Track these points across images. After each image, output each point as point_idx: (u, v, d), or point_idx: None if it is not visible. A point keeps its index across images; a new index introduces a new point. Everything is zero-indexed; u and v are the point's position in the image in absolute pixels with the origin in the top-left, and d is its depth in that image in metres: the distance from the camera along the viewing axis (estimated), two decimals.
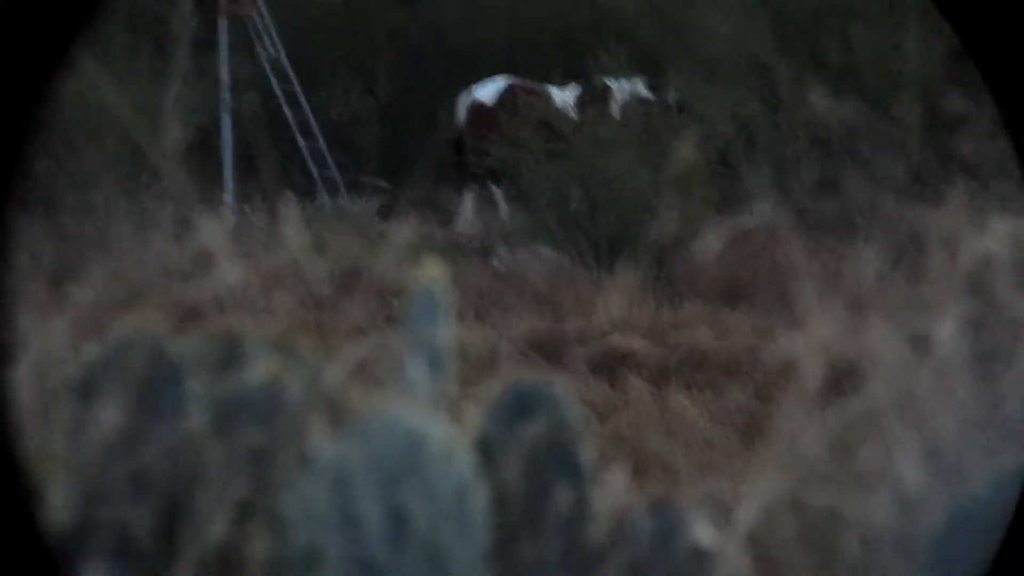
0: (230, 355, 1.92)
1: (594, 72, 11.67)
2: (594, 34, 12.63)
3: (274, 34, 13.05)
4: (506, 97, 12.21)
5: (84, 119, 10.78)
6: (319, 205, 11.62)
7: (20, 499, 1.82)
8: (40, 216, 9.89)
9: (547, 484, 1.91)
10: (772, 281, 8.40)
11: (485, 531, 1.86)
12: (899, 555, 1.95)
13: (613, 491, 1.89)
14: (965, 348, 2.09)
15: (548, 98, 11.95)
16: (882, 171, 10.30)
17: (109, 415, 1.86)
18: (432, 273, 1.97)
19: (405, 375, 1.95)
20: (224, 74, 12.43)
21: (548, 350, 7.76)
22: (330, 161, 13.00)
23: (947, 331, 2.09)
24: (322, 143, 12.99)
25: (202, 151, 10.98)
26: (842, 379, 2.09)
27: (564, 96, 12.00)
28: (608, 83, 11.77)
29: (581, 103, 11.84)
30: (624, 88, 11.69)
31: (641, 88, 11.68)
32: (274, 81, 12.96)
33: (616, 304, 8.26)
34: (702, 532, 1.87)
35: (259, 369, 1.90)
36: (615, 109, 11.56)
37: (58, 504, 1.81)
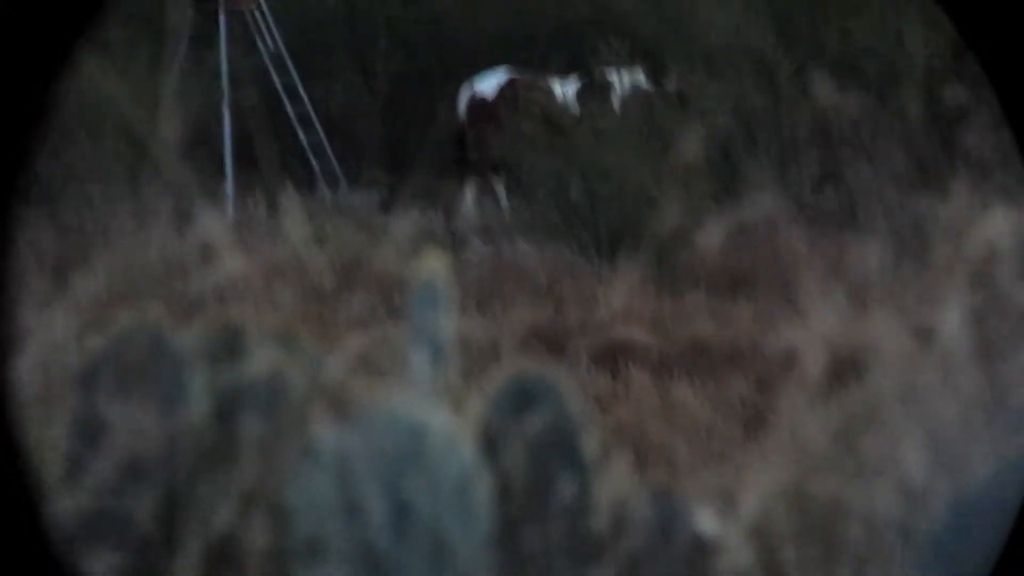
0: (231, 347, 1.92)
1: (594, 64, 11.66)
2: (593, 27, 12.62)
3: (273, 27, 13.04)
4: (506, 90, 12.20)
5: (84, 113, 10.78)
6: (319, 198, 11.62)
7: (21, 490, 1.82)
8: (42, 210, 9.89)
9: (549, 474, 1.91)
10: (774, 272, 8.39)
11: (487, 521, 1.86)
12: (903, 545, 1.95)
13: (615, 481, 1.89)
14: (968, 339, 2.09)
15: (549, 91, 11.94)
16: (884, 162, 10.29)
17: (111, 406, 1.86)
18: (433, 265, 1.97)
19: (407, 367, 1.95)
20: (224, 67, 12.42)
21: (550, 341, 7.76)
22: (330, 154, 13.00)
23: (950, 322, 2.09)
24: (322, 136, 12.99)
25: (202, 144, 10.98)
26: (844, 369, 2.09)
27: (565, 89, 11.99)
28: (608, 75, 11.75)
29: (582, 96, 11.83)
30: (624, 80, 11.67)
31: (641, 79, 11.67)
32: (274, 74, 12.95)
33: (618, 295, 8.26)
34: (704, 522, 1.87)
35: (261, 361, 1.90)
36: (615, 101, 11.55)
37: (61, 494, 1.81)
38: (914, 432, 1.98)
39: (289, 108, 12.92)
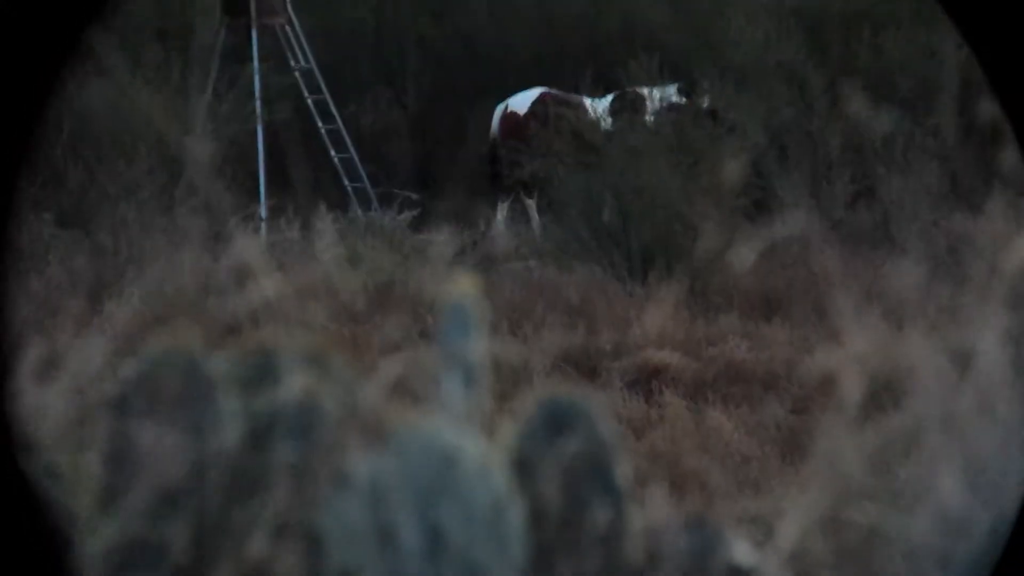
0: (265, 370, 1.91)
1: (626, 81, 11.65)
2: (624, 42, 12.61)
3: (305, 45, 13.09)
4: (538, 106, 12.21)
5: (118, 133, 10.84)
6: (352, 218, 11.63)
7: (28, 511, 1.82)
8: (76, 232, 9.94)
9: (583, 501, 1.90)
10: (808, 293, 8.33)
11: (521, 548, 1.85)
12: (941, 573, 1.92)
13: (650, 508, 1.88)
14: (1006, 361, 2.07)
15: (581, 107, 11.93)
16: (918, 179, 10.22)
17: (145, 432, 1.86)
18: (464, 287, 1.96)
19: (440, 391, 1.94)
20: (257, 84, 12.47)
21: (582, 364, 7.73)
22: (362, 172, 13.02)
23: (988, 344, 2.06)
24: (353, 154, 13.01)
25: (236, 163, 11.01)
26: (881, 393, 2.06)
27: (597, 105, 11.98)
28: (641, 91, 11.73)
29: (614, 112, 11.81)
30: (656, 96, 11.65)
31: (673, 94, 11.63)
32: (305, 92, 12.99)
33: (651, 317, 8.22)
34: (740, 550, 1.85)
35: (294, 384, 1.89)
36: (648, 118, 11.52)
37: (93, 522, 1.80)
38: (952, 458, 1.96)
39: (321, 125, 12.95)
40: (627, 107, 11.67)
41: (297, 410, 1.89)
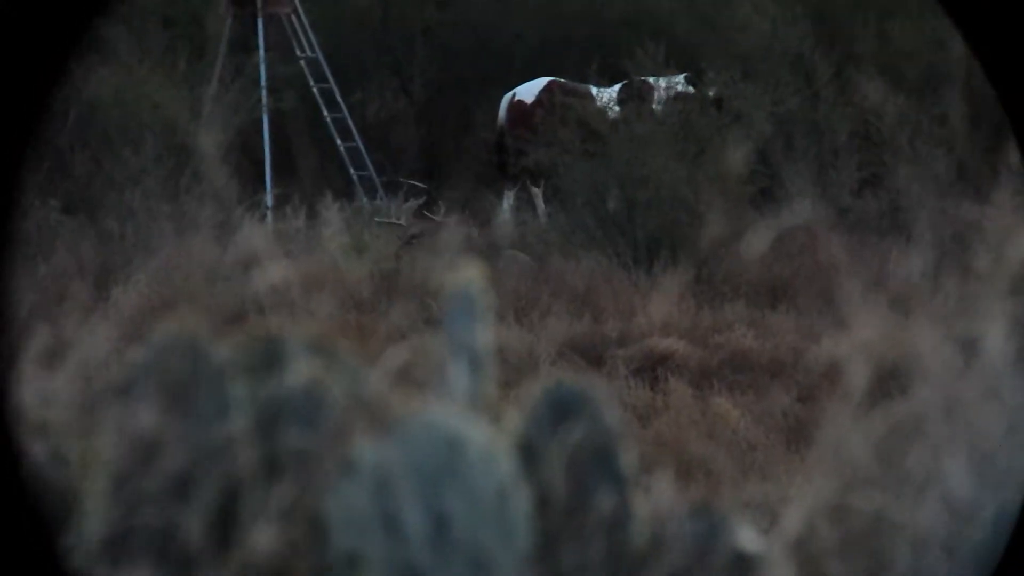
0: (271, 358, 1.92)
1: (633, 70, 11.63)
2: (631, 32, 12.59)
3: (311, 34, 13.08)
4: (544, 95, 12.20)
5: (124, 121, 10.85)
6: (357, 207, 11.64)
7: (24, 502, 1.82)
8: (82, 219, 9.96)
9: (588, 488, 1.90)
10: (815, 281, 8.33)
11: (526, 535, 1.85)
12: (947, 560, 1.92)
13: (655, 495, 1.88)
14: (1012, 349, 2.07)
15: (588, 96, 11.91)
16: (925, 168, 10.21)
17: (151, 418, 1.86)
18: (470, 275, 1.96)
19: (445, 378, 1.94)
20: (263, 73, 12.47)
21: (587, 352, 7.73)
22: (368, 162, 13.02)
23: (994, 332, 2.06)
24: (359, 143, 13.01)
25: (242, 152, 11.02)
26: (887, 381, 2.06)
27: (604, 93, 11.96)
28: (648, 81, 11.72)
29: (621, 100, 11.80)
30: (661, 85, 11.63)
31: (681, 84, 11.61)
32: (311, 81, 12.99)
33: (656, 305, 8.22)
34: (745, 537, 1.85)
35: (300, 372, 1.89)
36: (655, 107, 11.51)
37: (100, 509, 1.81)
38: (958, 446, 1.96)
39: (327, 114, 12.95)
40: (634, 96, 11.66)
41: (303, 397, 1.89)
